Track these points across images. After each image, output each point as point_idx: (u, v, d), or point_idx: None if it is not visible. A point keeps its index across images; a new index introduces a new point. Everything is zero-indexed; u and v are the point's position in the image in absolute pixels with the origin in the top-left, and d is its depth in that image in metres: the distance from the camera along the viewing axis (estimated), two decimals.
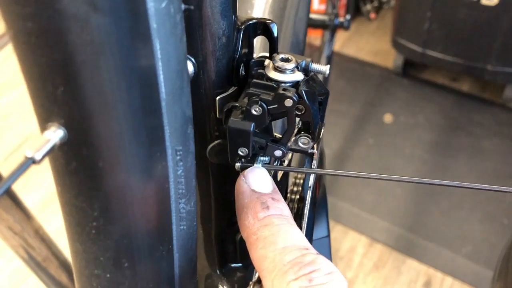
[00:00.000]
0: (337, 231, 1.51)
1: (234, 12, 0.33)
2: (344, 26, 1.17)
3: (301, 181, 0.47)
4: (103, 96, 0.20)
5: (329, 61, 1.27)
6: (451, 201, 1.57)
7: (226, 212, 0.44)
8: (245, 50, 0.36)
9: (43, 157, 0.19)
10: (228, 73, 0.35)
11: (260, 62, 0.37)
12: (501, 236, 1.48)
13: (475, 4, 1.61)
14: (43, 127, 0.21)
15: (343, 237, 1.50)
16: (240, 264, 0.45)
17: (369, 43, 2.11)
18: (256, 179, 0.33)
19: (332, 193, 1.57)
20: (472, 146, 1.72)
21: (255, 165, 0.35)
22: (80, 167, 0.22)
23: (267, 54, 0.37)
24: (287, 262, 0.28)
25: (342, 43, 2.10)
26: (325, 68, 0.33)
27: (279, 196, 0.33)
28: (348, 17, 1.17)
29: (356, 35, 2.13)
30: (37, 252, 0.82)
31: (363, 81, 1.95)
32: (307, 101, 0.32)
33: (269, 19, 0.35)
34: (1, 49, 1.85)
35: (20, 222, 0.73)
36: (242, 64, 0.36)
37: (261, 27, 0.35)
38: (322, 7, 1.96)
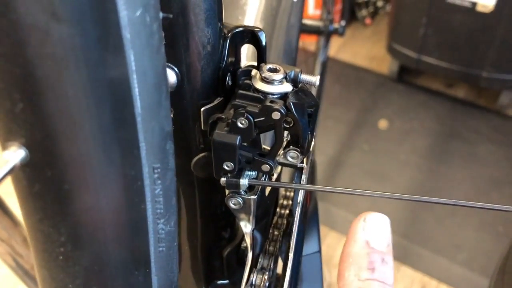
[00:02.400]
0: (331, 238, 1.49)
1: (220, 19, 0.32)
2: (339, 33, 1.16)
3: (292, 193, 0.45)
4: (68, 113, 0.18)
5: (324, 67, 1.25)
6: (446, 208, 1.56)
7: (212, 227, 0.42)
8: (231, 59, 0.34)
9: (1, 179, 0.17)
10: (214, 83, 0.33)
11: (248, 72, 0.35)
12: (496, 244, 1.47)
13: (470, 11, 1.60)
14: (3, 146, 0.19)
15: (338, 244, 1.49)
16: (227, 281, 0.44)
17: (364, 49, 2.11)
18: (375, 231, 0.30)
19: (326, 199, 1.55)
20: (467, 152, 1.71)
21: (240, 180, 0.33)
22: (44, 189, 0.20)
23: (254, 63, 0.35)
24: None
25: (338, 48, 2.09)
26: (315, 79, 0.32)
27: (390, 258, 0.29)
28: (343, 23, 1.16)
29: (351, 41, 2.13)
30: (24, 260, 0.80)
31: (358, 86, 1.94)
32: (295, 114, 0.30)
33: (257, 27, 0.34)
34: None
35: (7, 230, 0.71)
36: (229, 74, 0.34)
37: (249, 35, 0.34)
38: (318, 12, 1.95)
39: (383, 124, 1.80)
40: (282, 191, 0.45)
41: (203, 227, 0.41)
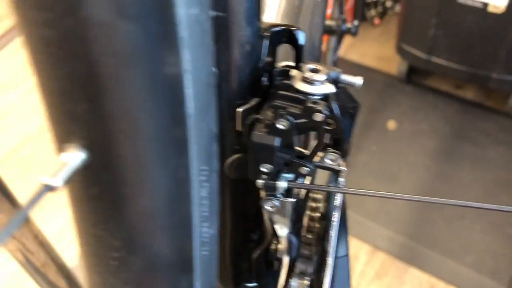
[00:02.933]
0: None
1: (259, 18, 0.31)
2: (352, 32, 1.15)
3: (319, 195, 0.45)
4: (129, 113, 0.18)
5: (334, 67, 1.24)
6: (454, 209, 1.55)
7: (242, 228, 0.41)
8: (268, 59, 0.33)
9: (62, 183, 0.17)
10: (251, 83, 0.33)
11: (284, 72, 0.34)
12: (505, 246, 1.46)
13: (481, 11, 1.59)
14: (61, 148, 0.18)
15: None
16: (255, 284, 0.43)
17: (372, 49, 2.10)
18: None
19: None
20: (476, 154, 1.70)
21: (278, 182, 0.33)
22: (101, 193, 0.19)
23: (291, 63, 0.35)
24: None
25: (346, 48, 2.09)
26: (357, 80, 0.31)
27: None
28: (356, 22, 1.15)
29: (359, 41, 2.12)
30: (35, 256, 0.80)
31: (366, 87, 1.93)
32: (338, 115, 0.30)
33: (295, 26, 0.33)
34: (1, 50, 1.83)
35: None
36: (265, 74, 0.34)
37: (287, 34, 0.33)
38: (328, 11, 1.94)
39: (391, 125, 1.80)
40: (308, 192, 0.45)
41: (233, 229, 0.40)
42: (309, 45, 0.59)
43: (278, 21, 0.55)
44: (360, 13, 2.00)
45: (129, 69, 0.17)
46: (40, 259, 0.82)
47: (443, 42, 1.72)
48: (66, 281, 0.85)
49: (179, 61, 0.20)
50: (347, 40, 2.09)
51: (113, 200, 0.19)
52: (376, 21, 2.18)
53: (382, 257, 1.45)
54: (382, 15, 2.21)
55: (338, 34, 1.18)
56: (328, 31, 1.15)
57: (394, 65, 1.96)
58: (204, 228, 0.26)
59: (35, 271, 0.81)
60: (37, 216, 0.67)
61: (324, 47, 1.36)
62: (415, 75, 1.95)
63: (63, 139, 0.18)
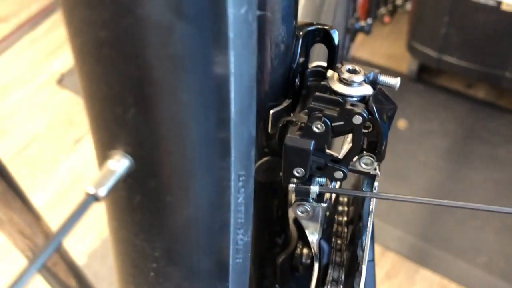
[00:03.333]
0: None
1: (295, 17, 0.30)
2: (365, 31, 1.14)
3: (345, 199, 0.43)
4: (177, 117, 0.17)
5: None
6: (466, 210, 1.53)
7: (267, 232, 0.40)
8: (302, 59, 0.32)
9: (107, 193, 0.16)
10: (284, 85, 0.31)
11: (317, 72, 0.33)
12: None
13: (495, 10, 1.57)
14: (105, 155, 0.17)
15: None
16: None
17: (382, 47, 2.08)
18: None
19: None
20: (487, 154, 1.68)
21: (311, 187, 0.31)
22: (144, 201, 0.18)
23: (323, 64, 0.34)
24: None
25: (356, 46, 2.07)
26: (396, 81, 0.30)
27: None
28: (369, 21, 1.13)
29: (369, 39, 2.10)
30: None
31: None
32: (378, 118, 0.28)
33: (329, 25, 0.32)
34: (8, 49, 1.82)
35: (30, 226, 0.70)
36: (298, 75, 0.32)
37: (321, 34, 0.32)
38: None
39: (402, 124, 1.78)
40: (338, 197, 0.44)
41: (258, 233, 0.39)
42: None
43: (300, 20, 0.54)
44: (374, 11, 1.98)
45: (181, 72, 0.16)
46: (51, 258, 0.81)
47: (455, 40, 1.70)
48: (76, 280, 0.85)
49: (226, 63, 0.19)
50: (357, 37, 2.07)
51: (156, 208, 0.18)
52: (386, 19, 2.16)
53: (392, 257, 1.44)
54: (392, 13, 2.19)
55: (352, 32, 1.16)
56: (346, 30, 1.14)
57: (404, 63, 1.94)
58: (239, 235, 0.25)
59: (45, 269, 0.81)
60: (46, 216, 0.67)
61: None
62: (425, 74, 1.93)
63: (108, 146, 0.17)
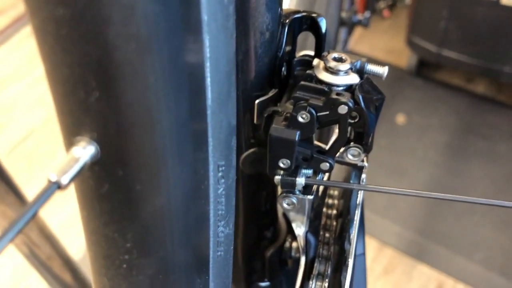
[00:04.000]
0: None
1: (280, 4, 0.29)
2: (363, 24, 1.12)
3: (335, 192, 0.43)
4: (145, 103, 0.16)
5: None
6: (464, 205, 1.53)
7: (255, 225, 0.40)
8: (288, 48, 0.31)
9: (70, 181, 0.15)
10: (270, 74, 0.31)
11: (304, 62, 0.32)
12: None
13: (494, 4, 1.56)
14: (70, 142, 0.16)
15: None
16: (268, 283, 0.41)
17: (382, 42, 2.07)
18: None
19: None
20: (487, 149, 1.68)
21: (297, 178, 0.31)
22: (113, 190, 0.17)
23: (311, 52, 0.33)
24: None
25: (355, 41, 2.06)
26: (383, 70, 0.29)
27: None
28: (367, 14, 1.12)
29: (369, 33, 2.09)
30: (41, 250, 0.79)
31: (375, 80, 1.90)
32: (364, 108, 0.28)
33: (316, 13, 0.31)
34: (6, 42, 1.81)
35: None
36: (284, 64, 0.32)
37: (308, 21, 0.31)
38: None
39: (401, 119, 1.77)
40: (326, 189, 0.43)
41: (246, 226, 0.39)
42: None
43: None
44: (372, 4, 1.96)
45: (147, 54, 0.15)
46: (46, 252, 0.81)
47: (454, 35, 1.69)
48: (71, 274, 0.85)
49: (201, 47, 0.18)
50: (356, 32, 2.06)
51: (125, 198, 0.18)
52: (386, 13, 2.15)
53: (390, 253, 1.44)
54: (392, 7, 2.17)
55: (349, 25, 1.15)
56: (339, 22, 1.12)
57: (404, 58, 1.93)
58: (220, 227, 0.24)
59: (40, 264, 0.80)
60: (42, 208, 0.66)
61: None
62: (425, 68, 1.92)
63: (73, 132, 0.16)
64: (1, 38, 1.96)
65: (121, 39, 0.14)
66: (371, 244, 1.44)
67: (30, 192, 0.62)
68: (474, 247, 1.42)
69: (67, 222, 1.40)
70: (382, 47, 2.05)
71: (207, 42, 0.19)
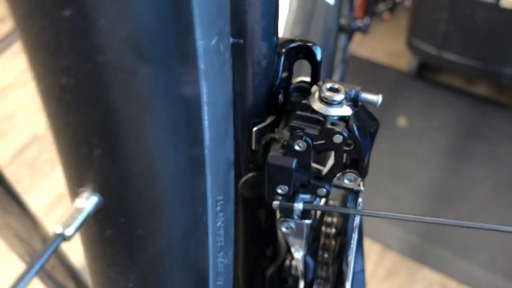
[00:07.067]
0: None
1: (276, 34, 0.30)
2: (362, 31, 1.13)
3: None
4: (146, 156, 0.17)
5: (345, 65, 1.23)
6: (467, 208, 1.53)
7: (255, 244, 0.40)
8: (285, 75, 0.32)
9: (75, 232, 0.16)
10: (267, 101, 0.31)
11: (300, 88, 0.33)
12: None
13: (493, 7, 1.56)
14: (74, 192, 0.17)
15: None
16: None
17: (382, 44, 2.07)
18: None
19: None
20: (488, 152, 1.68)
21: (295, 204, 0.32)
22: (115, 235, 0.18)
23: (307, 79, 0.34)
24: None
25: (355, 44, 2.06)
26: (377, 98, 0.30)
27: None
28: (366, 20, 1.13)
29: (369, 36, 2.08)
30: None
31: (376, 83, 1.91)
32: (358, 136, 0.29)
33: (312, 42, 0.32)
34: (7, 49, 1.82)
35: (28, 230, 0.70)
36: (281, 91, 0.32)
37: (304, 50, 0.32)
38: None
39: (402, 121, 1.77)
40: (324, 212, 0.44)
41: (246, 245, 0.40)
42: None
43: (289, 27, 0.54)
44: (371, 10, 1.97)
45: (147, 112, 0.16)
46: (49, 262, 0.82)
47: (455, 37, 1.69)
48: (75, 283, 0.85)
49: (199, 94, 0.19)
50: (356, 35, 2.06)
51: (127, 242, 0.19)
52: (386, 15, 2.15)
53: (393, 256, 1.44)
54: (392, 9, 2.17)
55: (348, 32, 1.16)
56: (338, 29, 1.13)
57: (404, 60, 1.93)
58: (219, 258, 0.25)
59: (44, 273, 0.81)
60: (45, 217, 0.67)
61: None
62: (426, 70, 1.92)
63: (76, 184, 0.17)
64: (2, 45, 1.97)
65: (122, 101, 0.15)
66: (374, 248, 1.44)
67: (32, 200, 0.62)
68: (477, 250, 1.43)
69: None
70: (382, 50, 2.05)
71: (204, 89, 0.19)
